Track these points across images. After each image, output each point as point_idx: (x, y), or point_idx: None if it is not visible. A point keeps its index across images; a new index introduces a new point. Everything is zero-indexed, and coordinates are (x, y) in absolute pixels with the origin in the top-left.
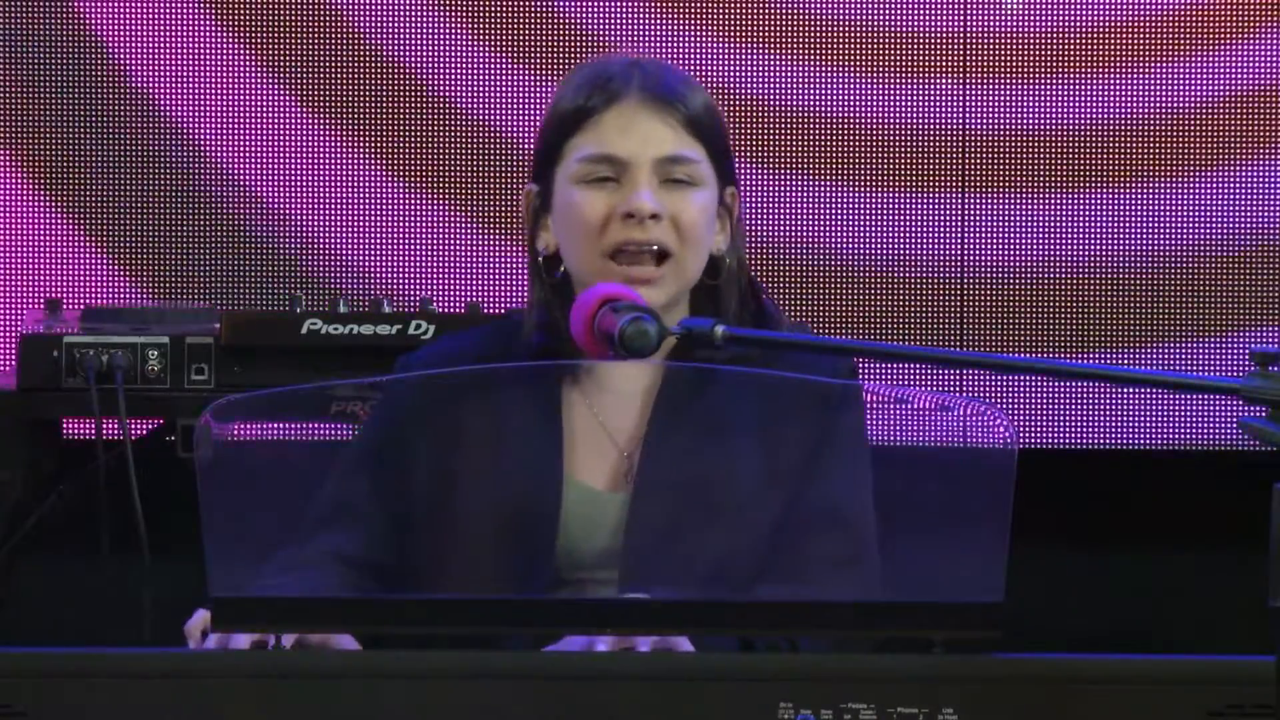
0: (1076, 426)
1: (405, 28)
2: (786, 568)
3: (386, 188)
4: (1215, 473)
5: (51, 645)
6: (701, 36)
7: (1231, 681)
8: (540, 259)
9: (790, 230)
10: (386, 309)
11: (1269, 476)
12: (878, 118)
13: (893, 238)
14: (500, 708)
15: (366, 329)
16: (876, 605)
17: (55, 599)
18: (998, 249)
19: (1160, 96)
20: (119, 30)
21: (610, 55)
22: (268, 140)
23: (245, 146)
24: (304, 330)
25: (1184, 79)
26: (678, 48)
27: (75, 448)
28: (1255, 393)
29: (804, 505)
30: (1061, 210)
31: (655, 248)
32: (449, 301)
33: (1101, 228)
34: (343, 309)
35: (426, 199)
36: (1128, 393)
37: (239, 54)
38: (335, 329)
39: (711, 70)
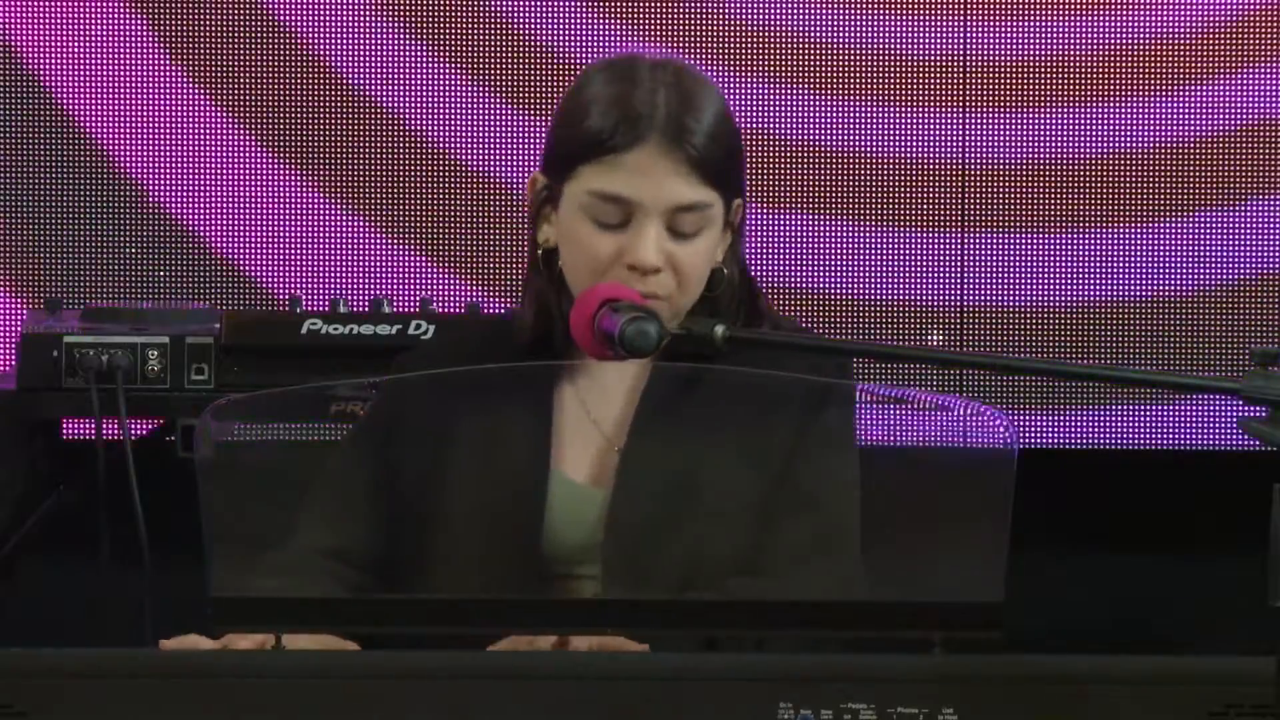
0: (1076, 426)
1: (407, 34)
2: (761, 556)
3: (387, 188)
4: (1215, 473)
5: (51, 645)
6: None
7: (1231, 681)
8: (539, 251)
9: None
10: (386, 309)
11: (1269, 476)
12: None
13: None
14: (498, 707)
15: (366, 329)
16: (876, 605)
17: (55, 599)
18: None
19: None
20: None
21: (637, 62)
22: (268, 141)
23: (245, 147)
24: (304, 330)
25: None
26: None
27: (75, 448)
28: (1255, 393)
29: (780, 493)
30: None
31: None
32: (449, 301)
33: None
34: (343, 309)
35: (427, 199)
36: (1127, 393)
37: (232, 55)
38: (335, 329)
39: None
